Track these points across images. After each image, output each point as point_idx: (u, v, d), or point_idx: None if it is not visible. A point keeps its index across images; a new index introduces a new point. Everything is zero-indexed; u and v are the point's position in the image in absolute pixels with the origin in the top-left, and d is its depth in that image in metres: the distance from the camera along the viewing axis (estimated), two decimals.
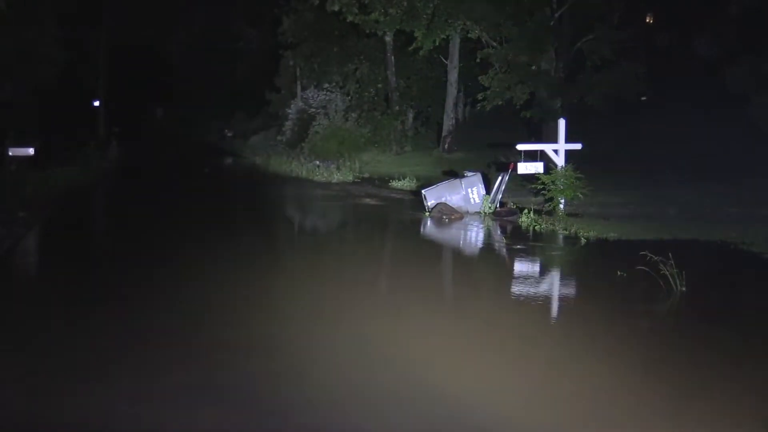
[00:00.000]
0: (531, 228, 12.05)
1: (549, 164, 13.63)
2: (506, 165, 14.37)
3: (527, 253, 10.38)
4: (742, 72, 20.29)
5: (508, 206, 13.86)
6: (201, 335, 6.06)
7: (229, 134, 41.77)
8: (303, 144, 26.89)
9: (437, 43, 22.56)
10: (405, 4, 22.12)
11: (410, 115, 28.46)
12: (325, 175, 21.71)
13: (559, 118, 14.83)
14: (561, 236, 11.36)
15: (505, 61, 20.20)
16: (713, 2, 22.72)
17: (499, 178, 14.04)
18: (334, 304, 7.24)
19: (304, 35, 29.34)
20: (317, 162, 23.73)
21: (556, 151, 13.56)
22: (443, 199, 13.76)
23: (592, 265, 9.49)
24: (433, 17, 21.88)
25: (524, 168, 13.52)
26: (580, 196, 13.27)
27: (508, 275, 9.18)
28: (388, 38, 26.15)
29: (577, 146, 13.59)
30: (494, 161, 18.53)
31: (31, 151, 17.23)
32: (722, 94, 21.82)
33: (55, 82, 24.70)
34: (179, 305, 7.05)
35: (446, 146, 24.47)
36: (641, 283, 7.69)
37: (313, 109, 28.12)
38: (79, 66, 31.46)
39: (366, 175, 21.88)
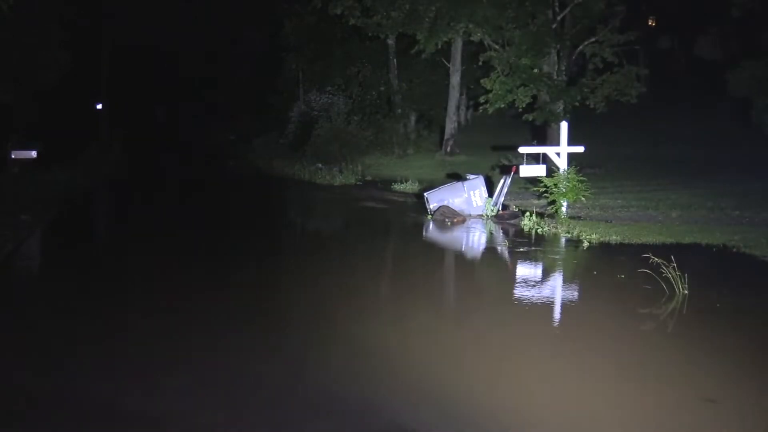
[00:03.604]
0: (533, 231, 12.05)
1: (551, 167, 13.63)
2: (508, 168, 14.37)
3: (530, 257, 10.37)
4: (744, 75, 20.32)
5: (511, 209, 13.85)
6: (201, 336, 6.08)
7: (232, 137, 41.78)
8: (305, 147, 26.91)
9: (439, 46, 22.56)
10: (407, 7, 22.13)
11: (412, 118, 28.47)
12: (328, 178, 21.70)
13: (561, 120, 14.83)
14: (563, 239, 11.36)
15: (507, 64, 20.19)
16: (715, 5, 22.75)
17: (502, 180, 14.05)
18: (339, 306, 7.25)
19: (306, 38, 29.39)
20: (320, 165, 23.72)
21: (558, 154, 13.55)
22: (445, 202, 13.75)
23: (594, 268, 9.48)
24: (435, 20, 21.87)
25: (526, 171, 13.51)
26: (583, 198, 13.26)
27: (511, 279, 9.18)
28: (390, 41, 26.19)
29: (580, 149, 13.57)
30: (496, 164, 18.53)
31: (33, 153, 17.22)
32: (724, 97, 21.85)
33: (58, 84, 24.71)
34: (181, 306, 7.06)
35: (448, 149, 24.48)
36: (644, 286, 7.70)
37: (316, 112, 28.13)
38: (81, 68, 31.50)
39: (368, 178, 21.87)
